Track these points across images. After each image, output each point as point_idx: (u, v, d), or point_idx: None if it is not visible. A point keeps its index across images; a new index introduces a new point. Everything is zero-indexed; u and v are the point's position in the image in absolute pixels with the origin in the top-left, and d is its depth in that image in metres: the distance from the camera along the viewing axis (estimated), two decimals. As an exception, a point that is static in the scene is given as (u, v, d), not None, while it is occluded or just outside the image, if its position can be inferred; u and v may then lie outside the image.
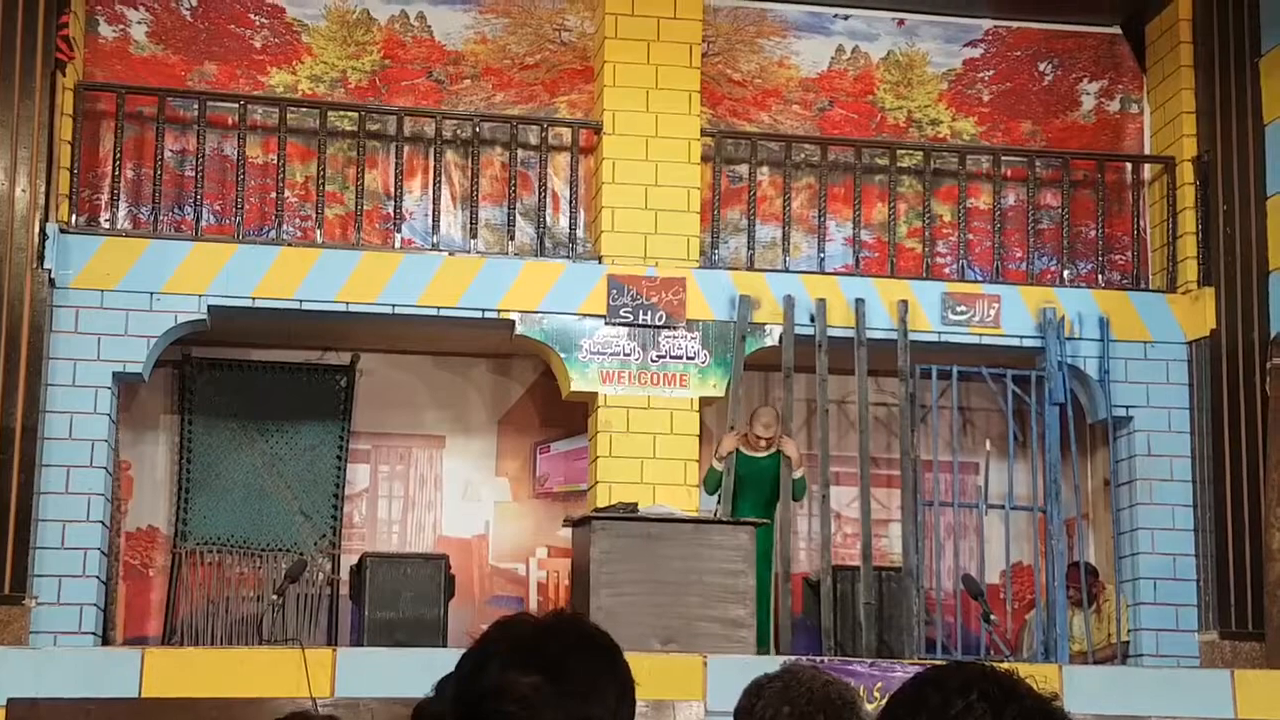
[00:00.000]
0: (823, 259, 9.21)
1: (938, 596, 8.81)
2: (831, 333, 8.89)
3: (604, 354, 8.67)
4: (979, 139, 9.67)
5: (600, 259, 8.80)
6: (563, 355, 8.64)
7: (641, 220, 8.79)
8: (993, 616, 8.35)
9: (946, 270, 9.37)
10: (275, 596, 7.74)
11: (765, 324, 8.85)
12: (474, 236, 8.86)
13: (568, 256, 8.88)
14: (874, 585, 8.58)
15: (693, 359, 8.75)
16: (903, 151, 9.49)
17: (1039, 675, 1.86)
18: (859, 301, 8.94)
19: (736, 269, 9.00)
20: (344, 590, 8.63)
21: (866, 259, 9.33)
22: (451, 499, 9.34)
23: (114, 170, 8.52)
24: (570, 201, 9.02)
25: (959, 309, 9.04)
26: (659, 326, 8.71)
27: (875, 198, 9.43)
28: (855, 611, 8.53)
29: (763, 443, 8.29)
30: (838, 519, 9.26)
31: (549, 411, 9.34)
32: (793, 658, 6.20)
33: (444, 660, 1.88)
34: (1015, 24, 9.71)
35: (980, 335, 9.01)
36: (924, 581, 8.67)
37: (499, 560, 9.33)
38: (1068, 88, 9.78)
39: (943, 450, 8.99)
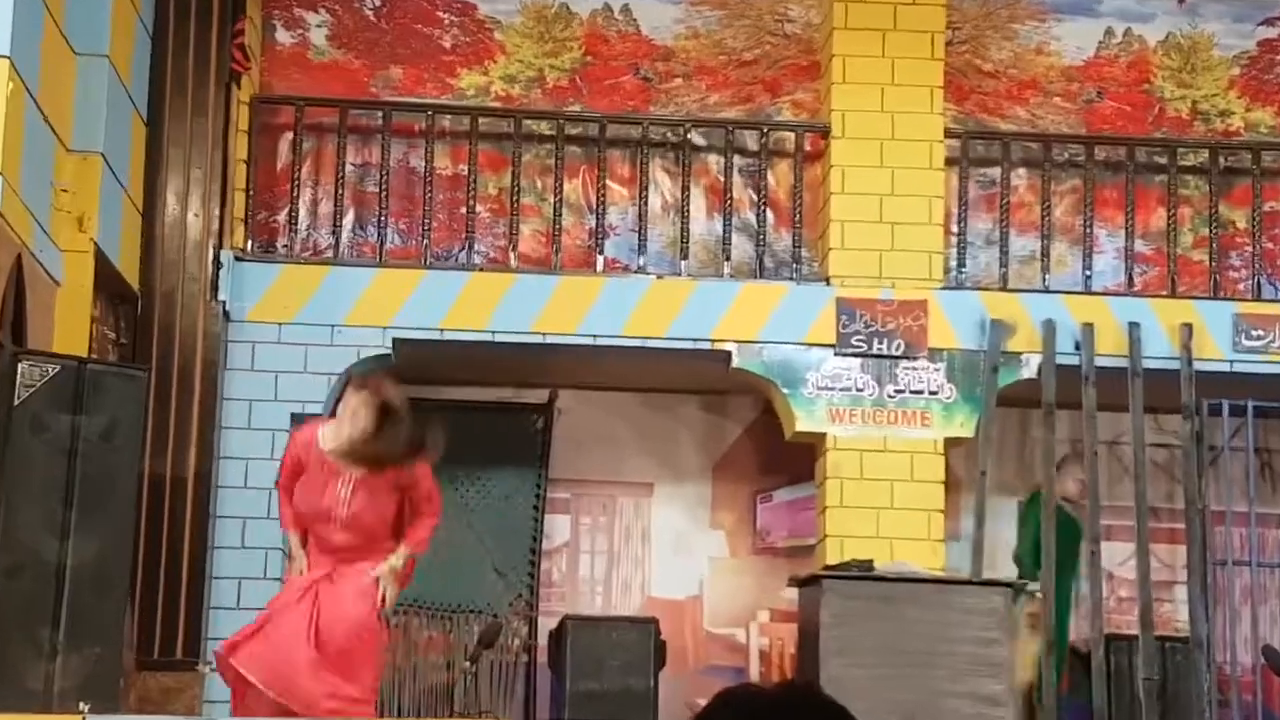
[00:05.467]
0: (1089, 276, 9.13)
1: (1232, 672, 8.64)
2: (1100, 362, 8.79)
3: (833, 389, 8.73)
4: (1278, 132, 9.49)
5: (828, 280, 8.86)
6: (786, 391, 8.73)
7: (876, 235, 8.84)
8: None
9: (1239, 287, 9.19)
10: (468, 664, 7.94)
11: (1021, 353, 8.80)
12: (685, 256, 9.02)
13: (791, 278, 8.97)
14: (1156, 657, 8.46)
15: (936, 394, 8.75)
16: (1185, 149, 9.35)
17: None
18: (1134, 325, 8.83)
19: (987, 289, 8.97)
20: (542, 658, 8.83)
21: (1143, 275, 9.21)
22: (661, 555, 9.48)
23: (292, 189, 8.94)
24: (794, 215, 9.12)
25: (1254, 333, 8.85)
26: (896, 357, 8.74)
27: (1153, 202, 9.31)
28: (1133, 688, 8.42)
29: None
30: (1110, 580, 9.13)
31: (771, 455, 9.43)
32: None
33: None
34: (1321, -3, 9.51)
35: (1281, 364, 8.83)
36: (1215, 654, 8.51)
37: (715, 625, 9.43)
38: (1388, 69, 9.53)
39: (1237, 499, 8.81)
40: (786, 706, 1.87)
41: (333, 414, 6.70)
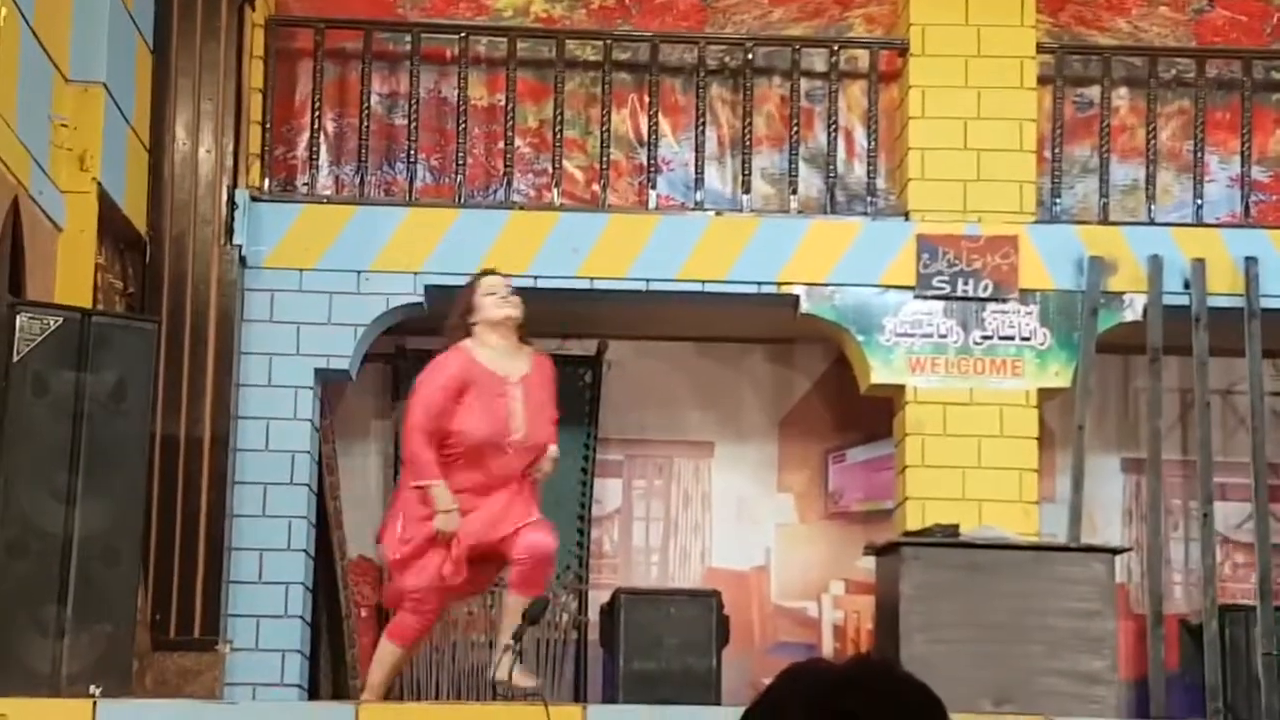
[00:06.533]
0: (1200, 206, 9.05)
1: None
2: (1213, 302, 8.73)
3: (913, 336, 8.70)
4: None
5: (907, 215, 8.83)
6: (860, 338, 8.71)
7: (960, 164, 8.79)
8: None
9: (1368, 217, 9.11)
10: (511, 642, 8.01)
11: (1124, 293, 8.75)
12: (747, 191, 9.00)
13: (865, 213, 8.94)
14: (1276, 630, 8.41)
15: (1028, 340, 8.71)
16: (1308, 62, 9.27)
17: None
18: (1250, 260, 8.76)
19: (1085, 223, 8.92)
20: (593, 635, 8.89)
21: (1260, 204, 9.15)
22: (723, 521, 9.49)
23: (312, 122, 8.97)
24: (868, 143, 9.07)
25: (1386, 268, 8.77)
26: (984, 299, 8.70)
27: (1271, 123, 9.25)
28: (1251, 665, 8.37)
29: None
30: (1224, 545, 9.09)
31: (844, 410, 9.41)
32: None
33: (717, 722, 1.98)
34: None
35: None
36: (1343, 627, 8.48)
37: (784, 598, 9.45)
38: None
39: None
40: (859, 682, 1.86)
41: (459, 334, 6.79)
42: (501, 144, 9.02)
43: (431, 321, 8.84)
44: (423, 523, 6.72)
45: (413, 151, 8.95)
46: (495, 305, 6.79)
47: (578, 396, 9.35)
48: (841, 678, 1.86)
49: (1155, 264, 8.76)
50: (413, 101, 8.99)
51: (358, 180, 8.96)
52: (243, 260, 8.50)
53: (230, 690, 8.08)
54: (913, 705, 1.87)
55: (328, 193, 8.97)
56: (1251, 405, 8.83)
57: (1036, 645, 7.29)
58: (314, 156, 8.97)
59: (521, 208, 8.87)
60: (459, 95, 9.03)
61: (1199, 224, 8.98)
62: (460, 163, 8.95)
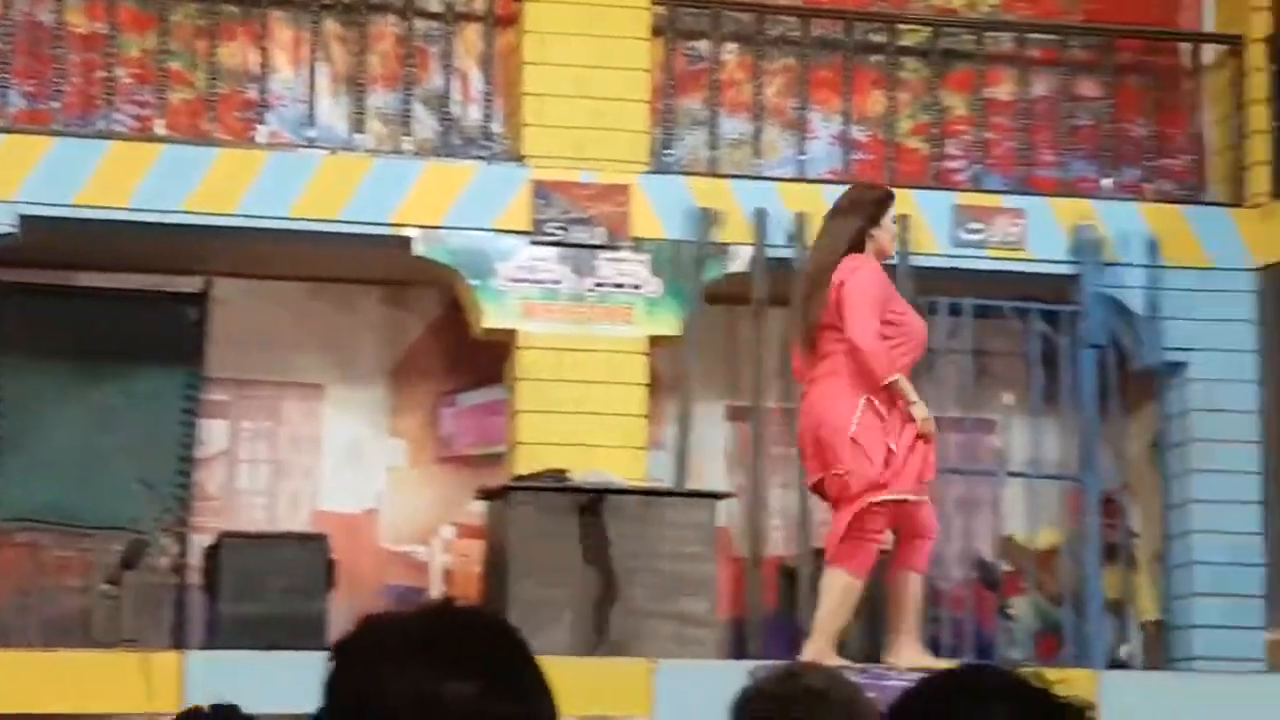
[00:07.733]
0: (804, 162, 9.23)
1: (943, 586, 8.87)
2: (814, 255, 8.92)
3: (527, 281, 8.66)
4: (1000, 10, 9.69)
5: (522, 160, 8.77)
6: (473, 283, 8.63)
7: (575, 111, 8.76)
8: (1011, 611, 8.46)
9: (958, 177, 9.41)
10: (107, 586, 7.78)
11: (730, 244, 8.86)
12: (361, 130, 8.83)
13: (481, 156, 8.86)
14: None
15: (640, 288, 8.76)
16: (905, 26, 9.50)
17: (1070, 681, 1.90)
18: (849, 216, 8.96)
19: (695, 174, 9.01)
20: (195, 579, 8.64)
21: (859, 162, 9.36)
22: (333, 464, 9.35)
23: (-106, 41, 8.43)
24: (484, 87, 8.97)
25: (973, 226, 9.07)
26: (597, 246, 8.71)
27: (870, 84, 9.45)
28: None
29: None
30: (819, 490, 9.31)
31: (457, 354, 9.34)
32: (765, 663, 6.26)
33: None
34: None
35: (1000, 259, 9.06)
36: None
37: (394, 542, 9.36)
38: (1113, -53, 9.83)
39: (951, 404, 9.04)
40: (427, 629, 1.82)
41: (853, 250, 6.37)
42: (102, 73, 8.62)
43: (26, 253, 8.44)
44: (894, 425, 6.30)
45: (5, 75, 8.47)
46: (894, 240, 6.56)
47: (182, 335, 9.14)
48: (410, 623, 1.82)
49: (760, 217, 8.89)
50: (5, 24, 8.50)
51: (-55, 103, 8.46)
52: None
53: None
54: (500, 652, 1.82)
55: (-89, 115, 8.44)
56: (848, 355, 9.03)
57: (642, 589, 7.36)
58: (-106, 76, 8.42)
59: (123, 137, 8.51)
60: (56, 20, 8.59)
61: (802, 179, 9.15)
62: (58, 90, 8.51)
